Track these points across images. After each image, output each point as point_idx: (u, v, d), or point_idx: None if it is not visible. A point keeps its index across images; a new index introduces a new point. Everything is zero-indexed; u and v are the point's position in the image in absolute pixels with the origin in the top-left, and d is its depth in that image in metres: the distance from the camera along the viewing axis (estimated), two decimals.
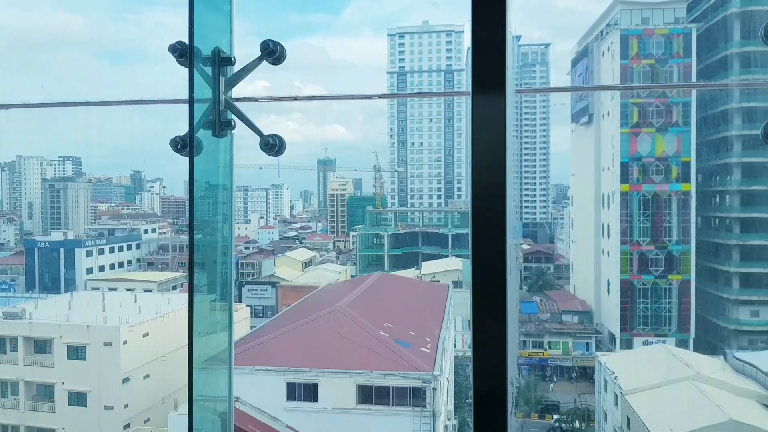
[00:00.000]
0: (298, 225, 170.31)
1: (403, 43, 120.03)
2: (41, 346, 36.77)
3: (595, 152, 67.58)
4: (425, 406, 23.01)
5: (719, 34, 59.48)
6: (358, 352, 25.08)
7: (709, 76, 60.74)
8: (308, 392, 23.99)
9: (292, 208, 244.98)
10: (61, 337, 35.66)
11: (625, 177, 61.52)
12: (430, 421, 22.92)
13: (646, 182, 61.31)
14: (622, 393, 35.97)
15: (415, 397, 23.43)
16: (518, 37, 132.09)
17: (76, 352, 35.56)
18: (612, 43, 62.55)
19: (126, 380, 35.12)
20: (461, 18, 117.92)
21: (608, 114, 64.23)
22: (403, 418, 23.15)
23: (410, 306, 36.31)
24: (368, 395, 23.70)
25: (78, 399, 35.46)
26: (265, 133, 2.71)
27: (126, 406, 34.96)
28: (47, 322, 36.95)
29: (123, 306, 40.37)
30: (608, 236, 64.93)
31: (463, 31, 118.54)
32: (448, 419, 29.29)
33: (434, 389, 23.06)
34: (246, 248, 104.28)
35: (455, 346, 47.61)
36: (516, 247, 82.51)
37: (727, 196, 59.96)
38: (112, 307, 40.31)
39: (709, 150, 61.13)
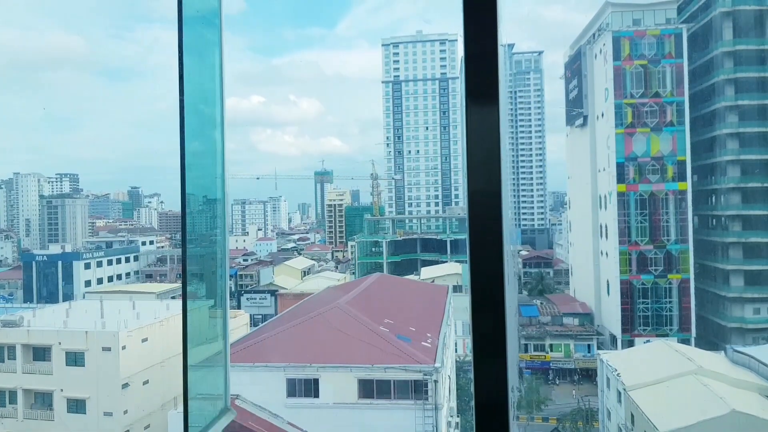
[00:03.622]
0: (296, 236, 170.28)
1: (398, 53, 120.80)
2: (40, 353, 36.51)
3: (591, 154, 67.80)
4: (427, 399, 22.87)
5: (710, 34, 59.97)
6: (358, 348, 24.95)
7: (700, 74, 61.18)
8: (309, 388, 23.82)
9: (290, 220, 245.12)
10: (60, 343, 35.42)
11: (621, 177, 61.67)
12: (432, 413, 22.76)
13: (642, 182, 61.46)
14: (625, 389, 35.79)
15: (416, 391, 23.28)
16: (511, 46, 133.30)
17: (75, 359, 35.31)
18: (604, 44, 63.02)
19: (125, 386, 34.84)
20: (454, 27, 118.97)
21: (602, 115, 64.53)
22: (405, 411, 22.99)
23: (410, 304, 36.18)
24: (369, 389, 23.53)
25: (77, 406, 35.14)
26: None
27: (125, 412, 34.66)
28: (45, 329, 36.75)
29: (121, 312, 40.17)
30: (606, 237, 64.94)
31: (456, 40, 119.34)
32: (451, 416, 29.10)
33: (436, 381, 22.92)
34: (244, 260, 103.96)
35: (456, 351, 47.38)
36: (513, 253, 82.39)
37: (722, 195, 60.08)
38: (111, 313, 40.13)
39: (704, 148, 61.41)
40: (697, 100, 61.15)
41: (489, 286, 1.59)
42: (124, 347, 34.89)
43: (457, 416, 31.98)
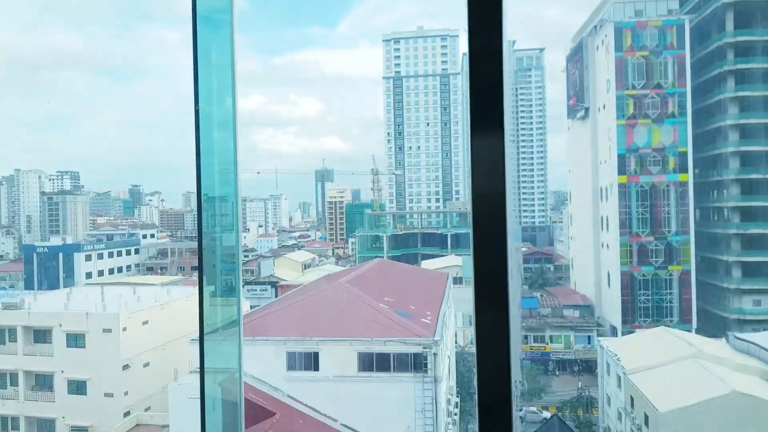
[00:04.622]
0: (297, 234, 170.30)
1: (399, 48, 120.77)
2: (40, 335, 36.55)
3: (592, 146, 67.77)
4: (426, 372, 22.86)
5: (712, 25, 59.94)
6: (358, 323, 24.96)
7: (703, 66, 61.14)
8: (309, 361, 23.83)
9: (290, 219, 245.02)
10: (60, 325, 35.45)
11: (622, 168, 61.64)
12: (431, 386, 22.76)
13: (643, 173, 61.43)
14: (625, 373, 35.77)
15: (416, 364, 23.30)
16: (513, 42, 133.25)
17: (76, 340, 35.35)
18: (606, 36, 62.98)
19: (126, 367, 34.87)
20: (456, 24, 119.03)
21: (604, 107, 64.52)
22: (404, 384, 22.99)
23: (410, 286, 36.20)
24: (369, 363, 23.54)
25: (78, 387, 35.19)
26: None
27: (126, 393, 34.69)
28: (46, 311, 36.80)
29: (122, 297, 40.23)
30: (607, 229, 64.91)
31: (458, 36, 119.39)
32: (450, 394, 29.10)
33: (435, 354, 22.92)
34: (245, 256, 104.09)
35: (456, 342, 47.33)
36: (516, 251, 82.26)
37: (725, 189, 59.96)
38: (112, 298, 40.19)
39: (706, 140, 61.34)
40: (700, 91, 61.11)
41: (493, 287, 1.60)
42: (124, 329, 34.93)
43: (457, 396, 31.98)
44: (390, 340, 23.36)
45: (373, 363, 23.56)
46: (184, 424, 21.48)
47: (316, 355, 23.92)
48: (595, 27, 66.79)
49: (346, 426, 22.60)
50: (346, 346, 23.68)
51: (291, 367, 23.97)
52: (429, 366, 22.93)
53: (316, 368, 23.84)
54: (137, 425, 32.27)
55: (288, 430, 21.19)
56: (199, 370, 2.66)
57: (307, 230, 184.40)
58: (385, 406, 22.88)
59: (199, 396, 2.60)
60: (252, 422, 21.41)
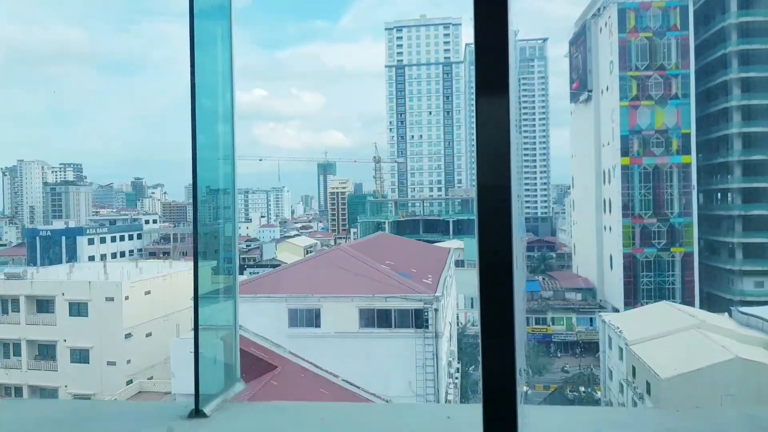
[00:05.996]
0: (299, 225, 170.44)
1: (401, 37, 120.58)
2: (43, 305, 36.67)
3: (595, 128, 67.62)
4: (427, 328, 22.88)
5: (716, 6, 59.67)
6: (360, 282, 24.96)
7: (706, 47, 60.90)
8: (310, 318, 23.87)
9: (293, 212, 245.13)
10: (63, 294, 35.55)
11: (625, 150, 61.50)
12: (432, 342, 22.78)
13: (646, 155, 61.27)
14: (627, 344, 35.75)
15: (417, 321, 23.31)
16: (516, 32, 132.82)
17: (78, 309, 35.44)
18: (609, 17, 62.79)
19: (128, 336, 34.95)
20: (459, 12, 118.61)
21: (607, 89, 64.35)
22: (405, 339, 23.02)
23: (412, 253, 36.20)
24: (370, 319, 23.57)
25: (80, 356, 35.30)
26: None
27: (129, 362, 34.79)
28: (49, 280, 36.90)
29: (124, 269, 40.31)
30: (610, 211, 64.82)
31: (460, 24, 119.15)
32: (451, 358, 29.12)
33: (436, 310, 22.93)
34: (247, 246, 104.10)
35: (459, 323, 47.36)
36: (521, 240, 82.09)
37: (728, 171, 59.75)
38: (114, 270, 40.27)
39: (710, 122, 61.12)
40: (703, 72, 60.89)
41: (498, 283, 1.60)
42: (127, 297, 35.00)
43: (458, 363, 32.00)
44: (391, 297, 23.38)
45: (375, 319, 23.59)
46: (187, 377, 21.53)
47: (317, 311, 23.96)
48: (599, 9, 66.58)
49: (347, 381, 22.64)
50: (348, 303, 23.71)
51: (293, 323, 24.01)
52: (430, 322, 22.95)
53: (318, 325, 23.88)
54: (139, 392, 32.33)
55: (289, 382, 21.24)
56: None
57: (309, 221, 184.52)
58: (386, 362, 22.90)
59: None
60: (255, 375, 21.47)
